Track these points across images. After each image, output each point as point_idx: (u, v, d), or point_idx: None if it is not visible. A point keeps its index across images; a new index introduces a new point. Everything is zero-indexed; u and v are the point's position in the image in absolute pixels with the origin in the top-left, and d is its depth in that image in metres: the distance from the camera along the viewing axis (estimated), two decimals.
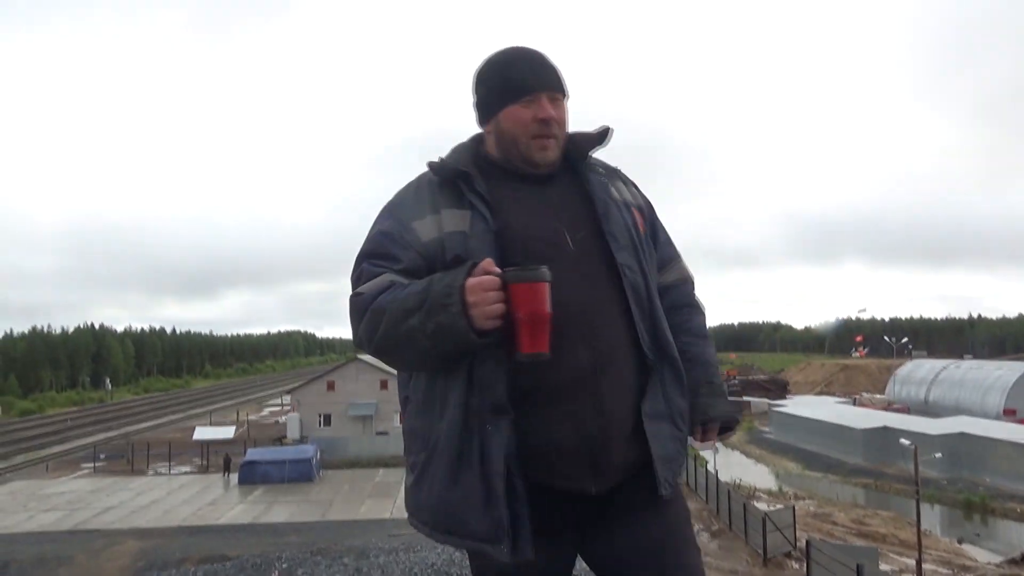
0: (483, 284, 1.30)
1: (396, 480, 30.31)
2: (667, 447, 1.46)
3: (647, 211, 1.66)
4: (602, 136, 1.59)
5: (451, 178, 1.51)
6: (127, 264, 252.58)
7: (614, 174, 1.66)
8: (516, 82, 1.53)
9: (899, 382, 70.31)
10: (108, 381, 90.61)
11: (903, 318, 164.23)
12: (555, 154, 1.53)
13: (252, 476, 30.99)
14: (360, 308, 1.41)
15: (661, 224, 1.71)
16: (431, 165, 1.55)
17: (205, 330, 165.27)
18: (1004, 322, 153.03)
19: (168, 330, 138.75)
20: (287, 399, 51.15)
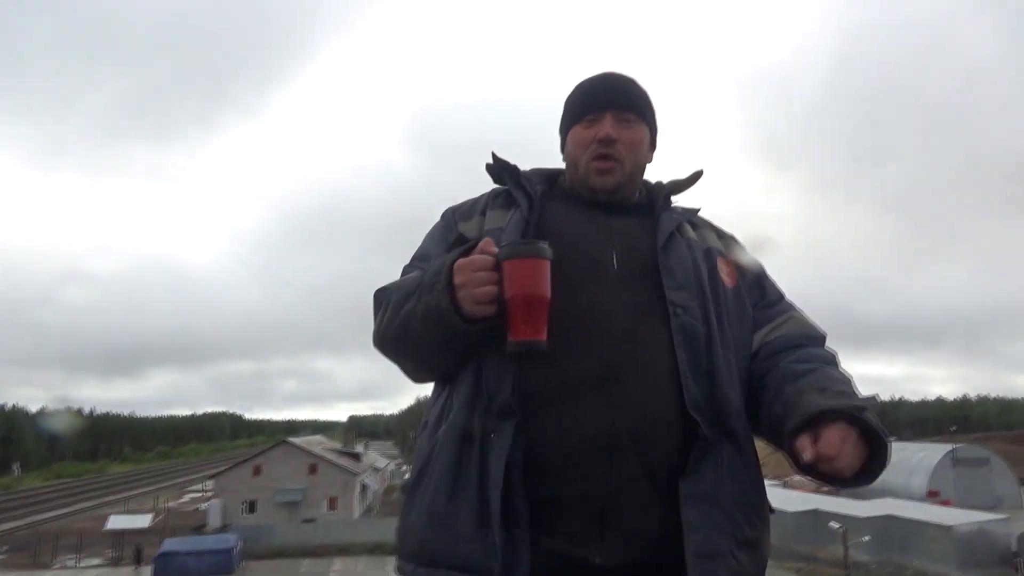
0: (473, 263, 1.16)
1: (322, 571, 29.17)
2: (711, 542, 1.13)
3: (750, 268, 1.41)
4: (692, 179, 1.44)
5: (499, 174, 1.45)
6: (42, 341, 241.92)
7: (703, 222, 1.45)
8: (582, 101, 1.43)
9: None
10: (17, 467, 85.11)
11: None
12: (616, 179, 1.36)
13: (167, 568, 29.05)
14: (375, 300, 1.36)
15: (775, 286, 1.43)
16: (488, 165, 1.48)
17: (126, 411, 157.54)
18: (925, 404, 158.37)
19: (86, 411, 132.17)
20: (209, 484, 48.81)
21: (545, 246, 1.15)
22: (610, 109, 1.39)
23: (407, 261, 1.45)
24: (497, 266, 1.15)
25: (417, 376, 1.38)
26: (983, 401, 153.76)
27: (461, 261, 1.17)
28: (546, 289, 1.13)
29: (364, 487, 46.84)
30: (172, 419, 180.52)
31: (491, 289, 1.14)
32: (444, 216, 1.46)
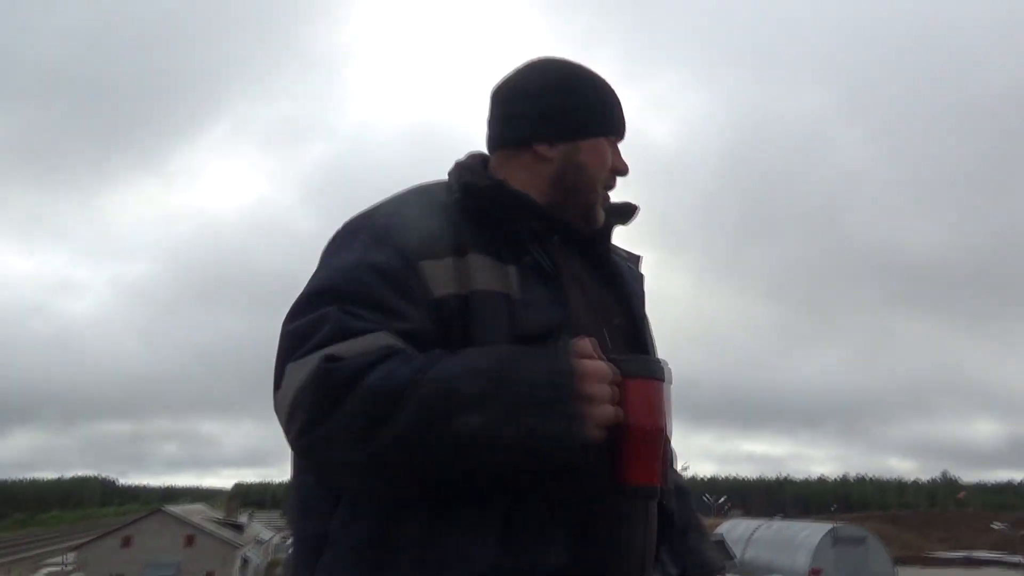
0: (599, 372, 0.89)
1: None
2: None
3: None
4: (631, 214, 1.21)
5: (495, 210, 1.06)
6: None
7: (637, 266, 1.29)
8: (618, 114, 1.18)
9: None
10: None
11: (721, 477, 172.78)
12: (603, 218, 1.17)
13: None
14: (338, 383, 0.86)
15: None
16: (466, 184, 1.07)
17: None
18: (808, 483, 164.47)
19: None
20: (71, 557, 44.87)
21: (666, 366, 0.95)
22: (622, 140, 1.20)
23: (312, 294, 0.98)
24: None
25: (392, 496, 0.95)
26: (861, 481, 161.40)
27: (587, 367, 0.89)
28: (666, 421, 0.94)
29: (246, 561, 44.10)
30: (34, 483, 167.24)
31: (613, 411, 0.89)
32: (387, 241, 1.00)
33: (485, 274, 1.00)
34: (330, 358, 0.88)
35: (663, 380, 0.94)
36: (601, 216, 1.15)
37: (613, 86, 1.20)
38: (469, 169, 1.14)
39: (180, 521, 40.64)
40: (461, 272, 0.99)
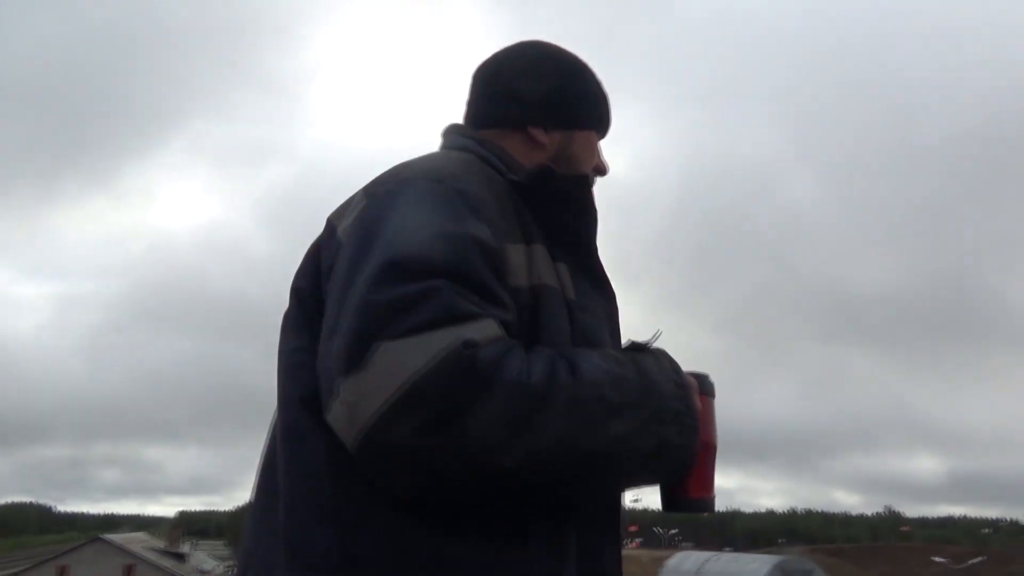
0: (695, 387, 0.91)
1: None
2: None
3: None
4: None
5: (564, 202, 0.98)
6: None
7: None
8: (608, 113, 1.17)
9: (668, 573, 73.37)
10: None
11: None
12: None
13: None
14: (484, 374, 0.75)
15: None
16: (544, 169, 0.97)
17: None
18: (757, 516, 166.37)
19: None
20: None
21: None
22: (605, 137, 1.19)
23: (400, 274, 0.80)
24: None
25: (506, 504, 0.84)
26: (808, 515, 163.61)
27: (691, 380, 0.90)
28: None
29: None
30: None
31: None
32: (480, 213, 0.87)
33: (546, 268, 0.93)
34: (470, 344, 0.75)
35: (714, 396, 0.95)
36: None
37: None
38: (498, 151, 1.06)
39: (119, 550, 39.34)
40: (531, 262, 0.91)
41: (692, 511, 0.94)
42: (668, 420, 0.84)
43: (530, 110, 1.09)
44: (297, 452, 0.88)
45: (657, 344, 0.95)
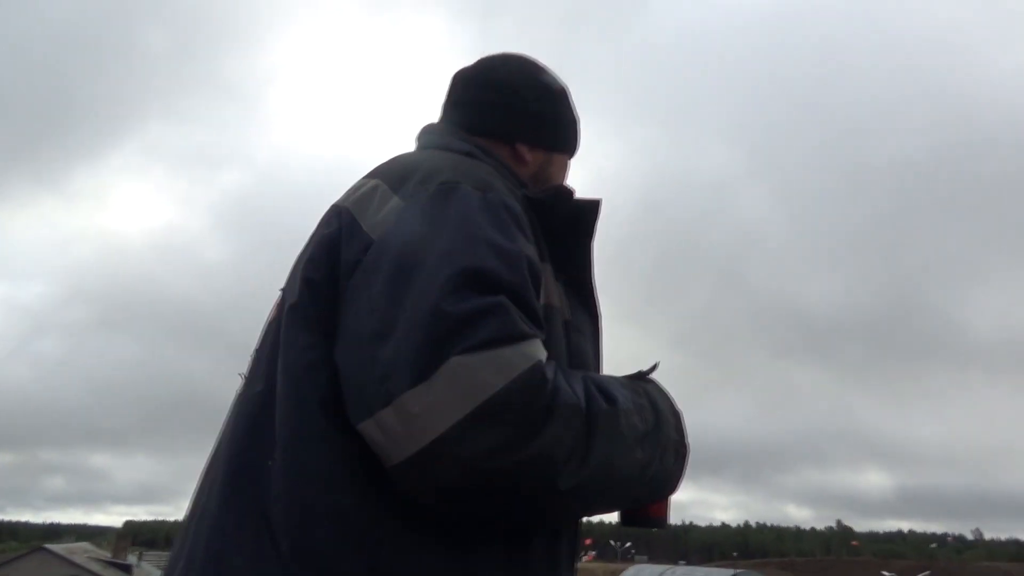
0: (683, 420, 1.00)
1: None
2: None
3: None
4: None
5: (576, 222, 1.01)
6: None
7: None
8: (578, 138, 1.23)
9: None
10: None
11: None
12: None
13: None
14: (552, 397, 0.77)
15: None
16: (560, 189, 1.01)
17: None
18: (712, 529, 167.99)
19: None
20: None
21: None
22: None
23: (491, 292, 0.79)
24: None
25: (552, 521, 0.89)
26: (761, 529, 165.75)
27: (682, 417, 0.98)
28: None
29: None
30: None
31: None
32: (525, 230, 0.90)
33: (553, 288, 0.94)
34: (542, 365, 0.77)
35: None
36: None
37: None
38: (506, 163, 1.07)
39: (62, 560, 38.19)
40: (544, 285, 0.91)
41: (649, 527, 1.01)
42: (671, 448, 0.91)
43: (522, 127, 1.12)
44: (313, 458, 0.83)
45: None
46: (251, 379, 0.94)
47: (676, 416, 0.96)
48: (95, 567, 40.50)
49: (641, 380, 0.96)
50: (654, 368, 0.98)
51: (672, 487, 0.96)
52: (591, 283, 1.04)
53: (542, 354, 0.78)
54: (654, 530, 1.05)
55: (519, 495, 0.77)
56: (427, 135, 1.14)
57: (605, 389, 0.84)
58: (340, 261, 0.88)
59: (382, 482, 0.80)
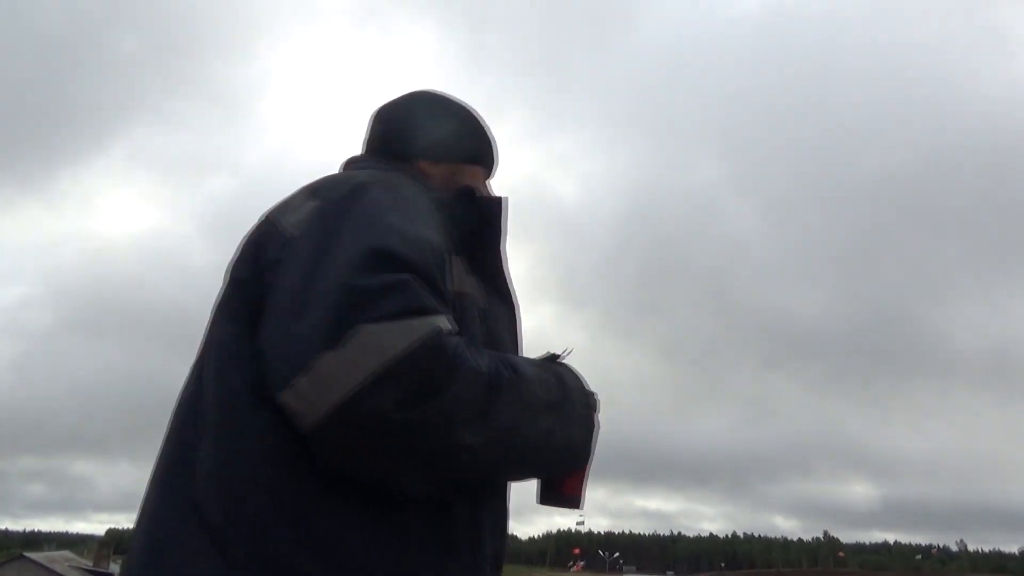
0: (596, 400, 1.08)
1: None
2: None
3: None
4: None
5: (481, 217, 1.13)
6: None
7: None
8: (490, 149, 1.33)
9: None
10: None
11: (616, 532, 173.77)
12: None
13: None
14: (453, 360, 0.83)
15: None
16: (467, 189, 1.15)
17: None
18: (700, 540, 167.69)
19: None
20: None
21: None
22: (492, 171, 1.36)
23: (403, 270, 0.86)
24: None
25: (444, 488, 0.92)
26: (749, 539, 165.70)
27: (595, 396, 1.07)
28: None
29: None
30: None
31: None
32: (433, 221, 0.99)
33: (463, 278, 1.04)
34: (444, 332, 0.83)
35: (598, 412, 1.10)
36: None
37: (490, 125, 1.36)
38: (415, 172, 1.22)
39: (42, 568, 37.51)
40: (451, 273, 1.00)
41: (564, 506, 1.08)
42: (576, 421, 1.00)
43: (420, 146, 1.26)
44: (241, 436, 0.88)
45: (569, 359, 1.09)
46: (187, 382, 1.01)
47: (586, 394, 1.04)
48: (75, 575, 39.80)
49: (552, 362, 1.05)
50: (567, 352, 1.07)
51: (581, 460, 1.04)
52: (504, 274, 1.14)
53: (446, 326, 0.84)
54: (571, 509, 1.09)
55: (423, 451, 0.83)
56: (347, 163, 1.28)
57: (510, 361, 0.92)
58: (263, 259, 0.95)
59: (311, 456, 0.85)
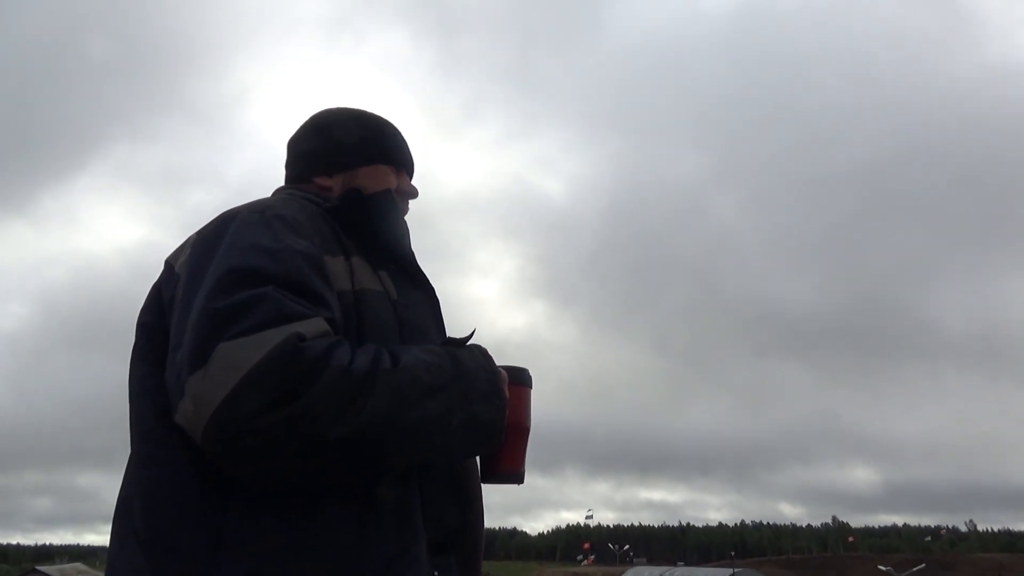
0: (505, 377, 1.10)
1: None
2: None
3: None
4: None
5: (371, 219, 1.19)
6: None
7: None
8: (391, 146, 1.36)
9: None
10: None
11: (625, 525, 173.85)
12: None
13: None
14: (313, 362, 0.88)
15: None
16: (350, 195, 1.21)
17: None
18: (708, 530, 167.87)
19: None
20: None
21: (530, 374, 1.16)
22: (406, 167, 1.39)
23: (252, 284, 0.94)
24: None
25: (356, 474, 0.97)
26: (757, 527, 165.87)
27: (501, 371, 1.09)
28: (530, 422, 1.14)
29: None
30: None
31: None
32: (301, 232, 1.05)
33: (367, 275, 1.11)
34: (300, 336, 0.89)
35: (531, 386, 1.15)
36: None
37: (397, 123, 1.40)
38: (312, 189, 1.29)
39: None
40: (349, 272, 1.09)
41: (503, 483, 1.13)
42: (477, 399, 1.01)
43: (310, 165, 1.32)
44: (157, 455, 1.00)
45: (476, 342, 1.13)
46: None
47: (488, 371, 1.05)
48: None
49: (454, 346, 1.08)
50: (471, 336, 1.11)
51: (494, 437, 1.05)
52: (414, 264, 1.22)
53: (317, 328, 0.91)
54: (514, 485, 1.15)
55: (297, 449, 0.88)
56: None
57: (394, 353, 0.97)
58: (164, 302, 1.06)
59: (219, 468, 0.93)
